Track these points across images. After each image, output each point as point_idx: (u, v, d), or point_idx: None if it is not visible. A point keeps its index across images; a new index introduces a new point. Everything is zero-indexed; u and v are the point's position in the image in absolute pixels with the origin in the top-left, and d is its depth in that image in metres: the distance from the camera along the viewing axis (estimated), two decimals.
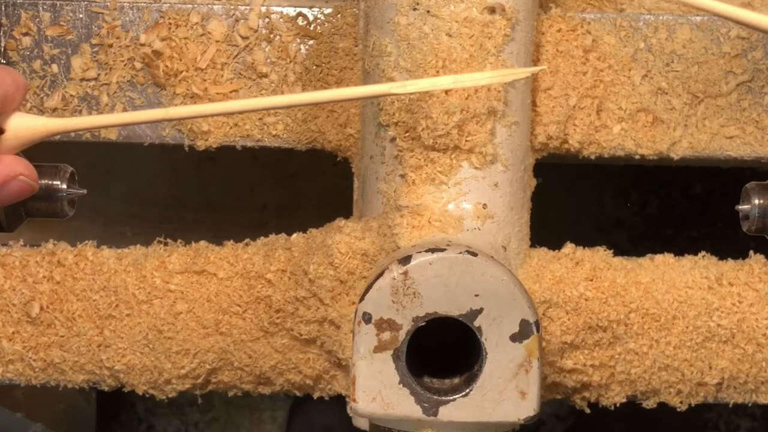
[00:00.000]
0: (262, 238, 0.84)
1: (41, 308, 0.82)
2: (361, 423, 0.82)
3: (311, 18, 0.83)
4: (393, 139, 0.75)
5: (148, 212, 1.37)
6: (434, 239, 0.73)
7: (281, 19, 0.83)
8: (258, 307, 0.81)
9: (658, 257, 0.83)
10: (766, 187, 0.76)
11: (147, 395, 0.85)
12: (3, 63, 0.83)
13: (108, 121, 0.65)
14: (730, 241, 0.95)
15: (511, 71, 0.63)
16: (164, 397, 0.85)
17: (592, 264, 0.80)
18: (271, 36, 0.83)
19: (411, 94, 0.69)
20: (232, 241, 0.84)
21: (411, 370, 0.71)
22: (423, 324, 0.71)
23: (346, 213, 0.82)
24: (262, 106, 0.66)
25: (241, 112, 0.71)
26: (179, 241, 0.84)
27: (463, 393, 0.71)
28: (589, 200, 1.53)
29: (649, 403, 0.84)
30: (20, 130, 0.64)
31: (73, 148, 0.90)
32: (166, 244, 0.84)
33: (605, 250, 0.82)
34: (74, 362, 0.83)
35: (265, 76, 0.83)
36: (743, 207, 0.67)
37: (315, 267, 0.78)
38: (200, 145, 0.84)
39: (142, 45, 0.82)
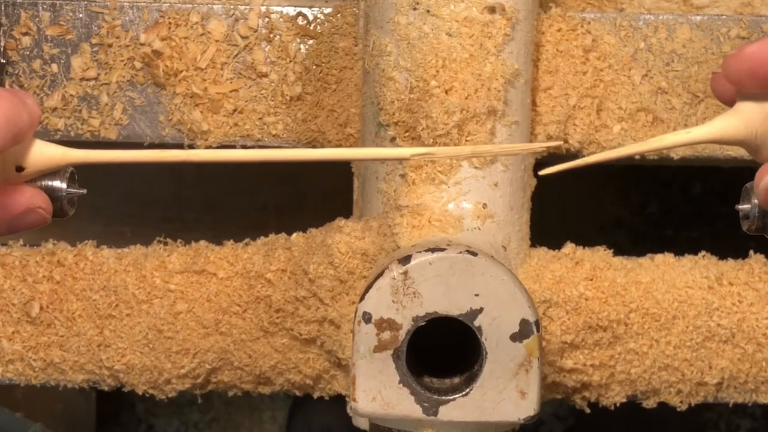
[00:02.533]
0: (262, 238, 0.84)
1: (41, 308, 0.82)
2: (361, 423, 0.82)
3: (311, 17, 0.83)
4: (393, 139, 0.75)
5: (148, 212, 1.37)
6: (434, 239, 0.73)
7: (281, 19, 0.83)
8: (258, 306, 0.81)
9: (658, 257, 0.83)
10: None
11: (147, 395, 0.85)
12: (3, 62, 0.83)
13: (128, 157, 0.65)
14: (730, 241, 0.95)
15: (528, 145, 0.63)
16: (164, 397, 0.85)
17: (592, 264, 0.80)
18: (271, 36, 0.83)
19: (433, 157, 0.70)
20: (232, 241, 0.84)
21: (411, 369, 0.71)
22: (423, 324, 0.71)
23: (346, 213, 0.82)
24: (266, 158, 0.66)
25: (246, 161, 0.71)
26: (179, 241, 0.84)
27: (463, 393, 0.71)
28: (589, 200, 1.53)
29: (649, 403, 0.84)
30: (39, 166, 0.65)
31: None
32: (166, 244, 0.84)
33: (605, 250, 0.82)
34: (74, 362, 0.83)
35: (265, 75, 0.83)
36: (743, 207, 0.67)
37: (315, 267, 0.78)
38: (200, 144, 0.84)
39: (142, 45, 0.82)
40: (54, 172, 0.66)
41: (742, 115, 0.62)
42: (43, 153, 0.64)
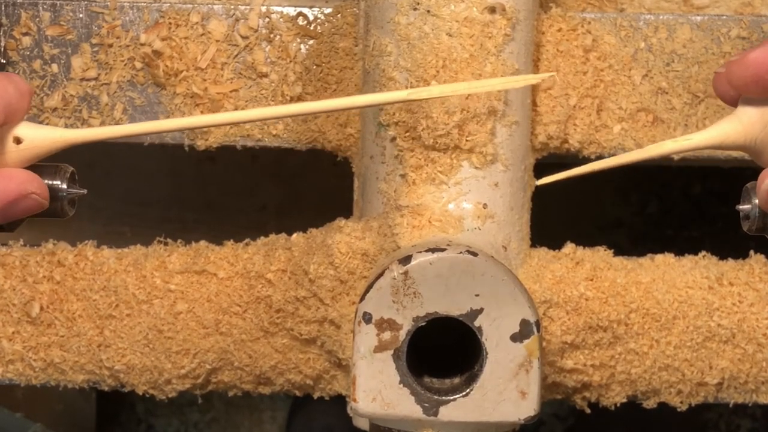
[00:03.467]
0: (262, 238, 0.84)
1: (41, 308, 0.82)
2: (362, 423, 0.82)
3: (311, 18, 0.83)
4: (393, 139, 0.75)
5: (148, 212, 1.37)
6: (434, 239, 0.73)
7: (281, 19, 0.83)
8: (258, 307, 0.81)
9: (659, 257, 0.83)
10: None
11: (147, 395, 0.85)
12: (3, 62, 0.83)
13: (126, 131, 0.64)
14: (730, 241, 0.95)
15: (523, 77, 0.63)
16: (164, 397, 0.85)
17: (593, 264, 0.80)
18: (271, 36, 0.83)
19: (425, 99, 0.69)
20: (232, 241, 0.84)
21: (411, 370, 0.71)
22: (423, 324, 0.71)
23: (346, 213, 0.82)
24: (275, 115, 0.65)
25: (256, 120, 0.71)
26: (179, 241, 0.84)
27: (464, 393, 0.71)
28: (589, 200, 1.53)
29: (650, 403, 0.84)
30: (37, 141, 0.64)
31: (73, 147, 0.90)
32: (166, 244, 0.84)
33: (605, 250, 0.82)
34: (74, 362, 0.83)
35: (265, 75, 0.83)
36: (743, 207, 0.67)
37: (315, 267, 0.78)
38: (200, 144, 0.84)
39: (142, 45, 0.82)
40: (54, 172, 0.66)
41: (742, 121, 0.62)
42: (40, 129, 0.63)
